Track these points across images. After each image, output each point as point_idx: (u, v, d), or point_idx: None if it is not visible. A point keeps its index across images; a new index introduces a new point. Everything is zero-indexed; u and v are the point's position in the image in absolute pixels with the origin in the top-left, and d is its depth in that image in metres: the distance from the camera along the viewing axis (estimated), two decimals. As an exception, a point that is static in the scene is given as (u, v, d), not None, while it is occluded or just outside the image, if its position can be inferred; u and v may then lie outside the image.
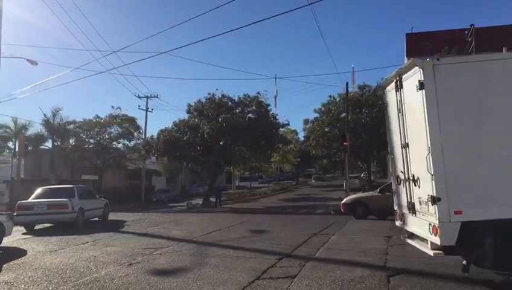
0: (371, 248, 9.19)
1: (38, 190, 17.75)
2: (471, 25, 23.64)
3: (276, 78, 49.28)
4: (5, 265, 8.29)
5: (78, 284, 6.60)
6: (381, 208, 15.95)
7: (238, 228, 14.02)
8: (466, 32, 24.18)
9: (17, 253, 9.89)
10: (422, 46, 27.14)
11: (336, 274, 6.70)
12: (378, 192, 17.69)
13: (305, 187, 58.38)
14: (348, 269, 7.10)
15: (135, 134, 44.38)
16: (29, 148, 34.82)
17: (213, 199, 32.48)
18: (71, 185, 19.40)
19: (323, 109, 44.10)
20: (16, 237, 12.84)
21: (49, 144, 42.66)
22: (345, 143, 29.01)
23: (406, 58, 29.85)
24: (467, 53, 24.36)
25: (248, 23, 45.32)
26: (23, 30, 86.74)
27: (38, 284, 6.68)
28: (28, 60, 21.43)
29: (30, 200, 16.62)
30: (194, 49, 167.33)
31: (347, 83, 32.89)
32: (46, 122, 40.30)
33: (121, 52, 45.56)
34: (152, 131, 76.41)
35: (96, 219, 18.77)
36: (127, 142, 45.08)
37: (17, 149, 34.65)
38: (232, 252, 9.21)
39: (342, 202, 18.68)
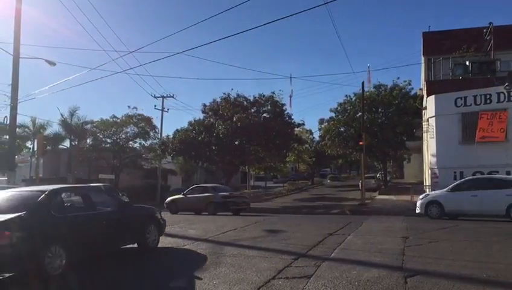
0: (387, 249, 9.09)
1: None
2: (490, 23, 23.28)
3: (291, 77, 49.39)
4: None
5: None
6: (184, 206, 23.02)
7: (253, 228, 14.01)
8: (484, 30, 23.82)
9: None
10: (439, 45, 26.81)
11: (352, 274, 6.65)
12: (183, 195, 24.13)
13: (320, 187, 58.14)
14: (365, 269, 7.03)
15: (151, 134, 44.75)
16: (48, 147, 35.34)
17: None
18: (99, 184, 20.09)
19: (339, 108, 43.90)
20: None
21: (66, 144, 43.34)
22: (360, 143, 28.86)
23: (422, 57, 29.53)
24: (485, 52, 24.04)
25: (263, 23, 45.52)
26: (38, 30, 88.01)
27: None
28: (46, 60, 21.64)
29: None
30: (209, 49, 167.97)
31: (363, 82, 32.71)
32: (64, 122, 40.86)
33: (137, 52, 45.92)
34: (168, 131, 76.99)
35: None
36: (143, 142, 45.51)
37: (35, 148, 35.15)
38: (247, 251, 9.20)
39: (165, 201, 25.30)
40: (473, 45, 24.68)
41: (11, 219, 6.77)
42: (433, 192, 18.48)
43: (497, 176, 19.36)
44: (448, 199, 16.79)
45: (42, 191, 7.80)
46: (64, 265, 7.18)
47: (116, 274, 7.67)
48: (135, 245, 9.54)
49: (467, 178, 18.47)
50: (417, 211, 17.59)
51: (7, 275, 7.04)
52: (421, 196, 18.11)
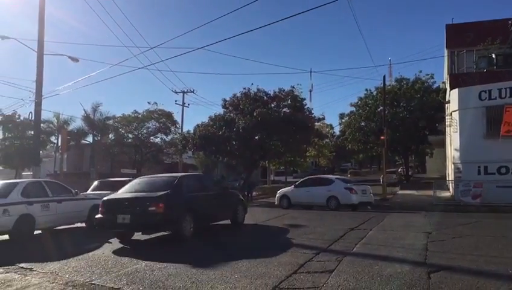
0: (410, 244, 9.01)
1: (96, 183, 18.26)
2: (516, 14, 22.71)
3: (311, 72, 49.13)
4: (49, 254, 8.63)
5: (120, 274, 6.79)
6: None
7: (275, 222, 14.05)
8: (509, 22, 23.23)
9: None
10: (463, 37, 26.29)
11: (374, 269, 6.61)
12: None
13: (340, 182, 57.66)
14: (387, 264, 6.98)
15: (172, 129, 45.21)
16: (71, 142, 35.93)
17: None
18: (128, 179, 20.48)
19: (359, 102, 43.50)
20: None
21: (89, 139, 44.07)
22: (382, 137, 28.60)
23: (445, 50, 29.03)
24: (510, 44, 23.46)
25: (283, 18, 45.27)
26: (61, 27, 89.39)
27: (82, 274, 6.92)
28: (69, 56, 21.95)
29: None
30: (228, 44, 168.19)
31: (384, 76, 32.43)
32: (87, 118, 41.57)
33: (158, 48, 46.06)
34: (188, 126, 77.50)
35: None
36: (164, 137, 46.02)
37: (59, 144, 35.78)
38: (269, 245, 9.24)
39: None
40: (498, 37, 24.12)
41: (162, 195, 9.54)
42: (284, 188, 22.52)
43: (324, 176, 26.13)
44: (293, 194, 21.09)
45: (175, 177, 10.80)
46: (193, 230, 10.04)
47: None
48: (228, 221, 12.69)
49: (305, 178, 23.76)
50: (276, 203, 21.76)
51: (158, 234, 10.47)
52: (278, 191, 22.31)
